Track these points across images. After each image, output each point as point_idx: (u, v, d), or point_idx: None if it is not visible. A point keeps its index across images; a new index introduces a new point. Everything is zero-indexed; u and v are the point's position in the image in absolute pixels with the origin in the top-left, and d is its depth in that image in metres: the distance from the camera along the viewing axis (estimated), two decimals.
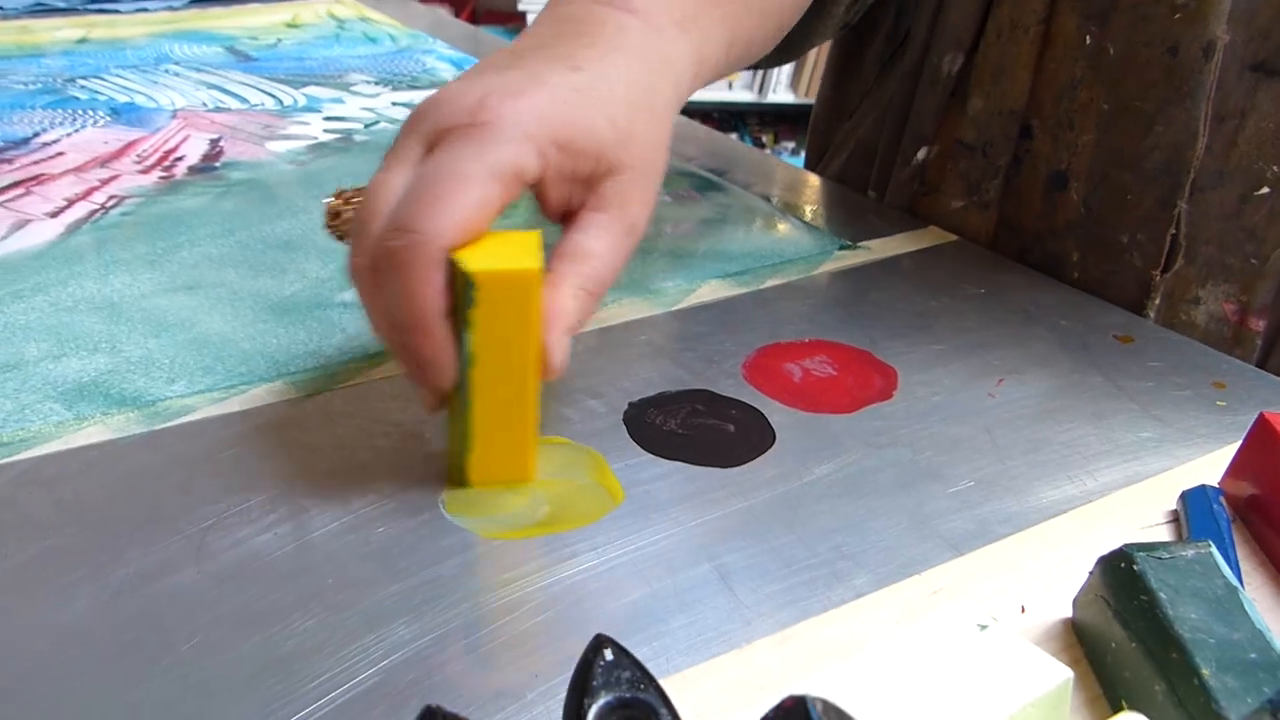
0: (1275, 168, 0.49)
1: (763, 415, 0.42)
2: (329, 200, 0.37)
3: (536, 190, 0.36)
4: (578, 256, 0.36)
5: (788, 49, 0.59)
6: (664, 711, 0.20)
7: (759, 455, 0.40)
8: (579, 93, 0.36)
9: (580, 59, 0.38)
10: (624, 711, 0.19)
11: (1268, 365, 0.52)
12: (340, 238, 0.37)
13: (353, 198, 0.36)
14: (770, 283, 0.54)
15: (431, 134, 0.35)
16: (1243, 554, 0.32)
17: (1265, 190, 0.49)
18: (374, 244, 0.34)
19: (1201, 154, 0.50)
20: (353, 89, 0.84)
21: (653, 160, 0.39)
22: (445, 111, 0.35)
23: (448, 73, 0.89)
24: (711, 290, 0.53)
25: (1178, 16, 0.49)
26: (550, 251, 0.36)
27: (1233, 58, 0.49)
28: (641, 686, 0.20)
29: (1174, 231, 0.51)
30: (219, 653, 0.30)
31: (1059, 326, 0.50)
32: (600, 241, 0.37)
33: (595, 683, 0.19)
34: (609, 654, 0.20)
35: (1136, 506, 0.36)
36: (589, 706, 0.19)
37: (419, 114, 0.36)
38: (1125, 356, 0.48)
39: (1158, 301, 0.53)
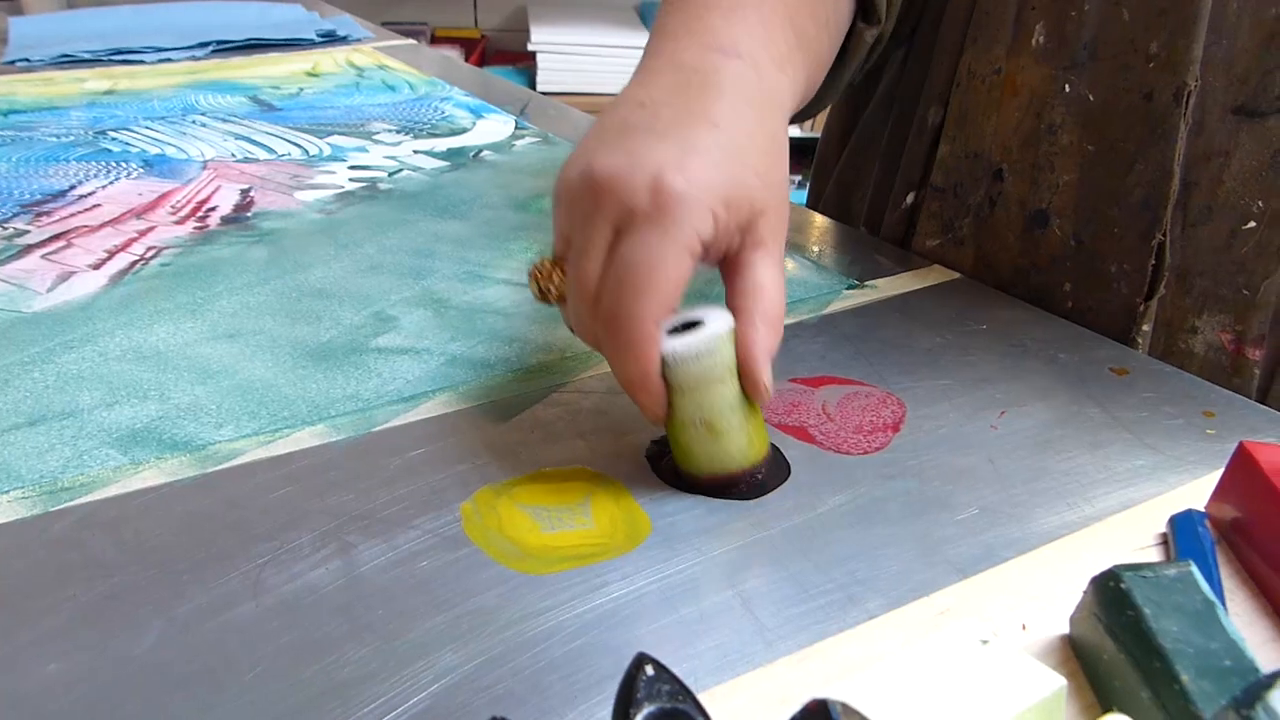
0: (1260, 203, 0.52)
1: (778, 450, 0.45)
2: (533, 269, 0.43)
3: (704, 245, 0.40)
4: (755, 293, 0.41)
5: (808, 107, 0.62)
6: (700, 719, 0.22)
7: (775, 488, 0.42)
8: (727, 151, 0.40)
9: (715, 115, 0.41)
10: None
11: (1270, 393, 0.55)
12: (544, 300, 0.43)
13: (554, 269, 0.42)
14: None
15: (617, 218, 0.39)
16: (1226, 573, 0.34)
17: (1252, 224, 0.52)
18: (594, 325, 0.40)
19: (1177, 189, 0.53)
20: (375, 138, 0.87)
21: (785, 194, 0.44)
22: (625, 194, 0.39)
23: (465, 119, 0.92)
24: None
25: (1151, 65, 0.53)
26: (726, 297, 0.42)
27: (1215, 102, 0.52)
28: (680, 698, 0.22)
29: (1154, 262, 0.54)
30: (281, 680, 0.33)
31: (1057, 360, 0.53)
32: (768, 274, 0.41)
33: (639, 694, 0.22)
34: (650, 669, 0.23)
35: (1129, 530, 0.39)
36: (634, 715, 0.22)
37: (597, 195, 0.39)
38: (1120, 388, 0.50)
39: (1145, 328, 0.56)
